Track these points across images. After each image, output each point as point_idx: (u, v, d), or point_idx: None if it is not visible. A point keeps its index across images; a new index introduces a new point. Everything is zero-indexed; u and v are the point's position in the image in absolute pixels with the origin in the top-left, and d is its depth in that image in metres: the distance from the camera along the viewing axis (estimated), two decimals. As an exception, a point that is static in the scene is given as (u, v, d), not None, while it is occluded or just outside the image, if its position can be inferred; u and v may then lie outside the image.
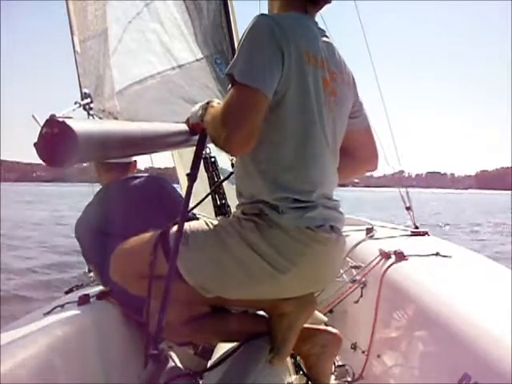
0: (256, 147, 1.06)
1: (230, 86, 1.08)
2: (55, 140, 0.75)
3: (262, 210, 1.13)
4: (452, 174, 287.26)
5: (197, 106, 1.25)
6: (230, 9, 2.30)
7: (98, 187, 1.95)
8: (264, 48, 1.07)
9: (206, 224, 1.20)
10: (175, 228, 1.19)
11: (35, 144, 0.76)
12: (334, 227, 1.20)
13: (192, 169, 1.18)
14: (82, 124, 0.80)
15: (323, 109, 1.19)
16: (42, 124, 0.77)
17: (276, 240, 1.11)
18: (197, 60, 1.94)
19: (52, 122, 0.76)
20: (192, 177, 1.17)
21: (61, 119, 0.76)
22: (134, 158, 2.08)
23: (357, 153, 1.41)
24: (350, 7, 2.94)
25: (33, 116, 0.85)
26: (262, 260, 1.11)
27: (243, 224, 1.14)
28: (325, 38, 1.25)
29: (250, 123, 1.00)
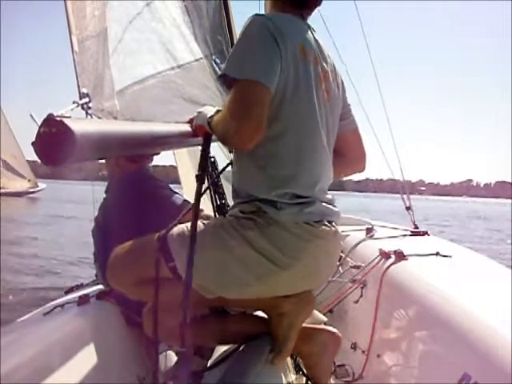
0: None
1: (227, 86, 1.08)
2: (53, 139, 0.75)
3: (260, 207, 1.12)
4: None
5: (207, 108, 1.23)
6: (229, 9, 2.30)
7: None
8: (261, 43, 1.08)
9: (204, 224, 1.19)
10: (174, 230, 1.19)
11: (33, 143, 0.76)
12: (331, 222, 1.21)
13: (200, 171, 1.18)
14: (80, 123, 0.80)
15: (320, 105, 1.19)
16: (39, 123, 0.76)
17: (276, 237, 1.11)
18: (196, 60, 1.95)
19: (50, 121, 0.76)
20: (201, 179, 1.17)
21: (59, 118, 0.76)
22: None
23: (345, 154, 1.42)
24: (350, 7, 2.94)
25: (31, 115, 0.85)
26: (263, 258, 1.11)
27: (242, 222, 1.14)
28: (316, 38, 1.26)
29: (256, 116, 1.01)
